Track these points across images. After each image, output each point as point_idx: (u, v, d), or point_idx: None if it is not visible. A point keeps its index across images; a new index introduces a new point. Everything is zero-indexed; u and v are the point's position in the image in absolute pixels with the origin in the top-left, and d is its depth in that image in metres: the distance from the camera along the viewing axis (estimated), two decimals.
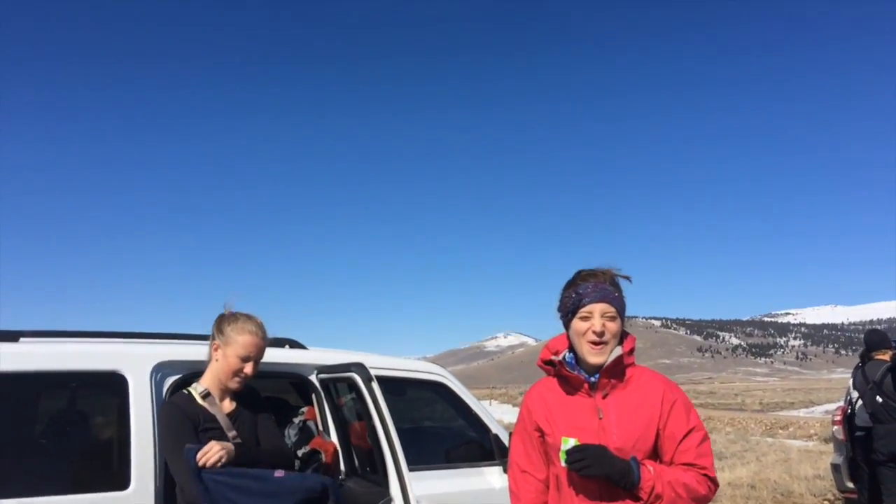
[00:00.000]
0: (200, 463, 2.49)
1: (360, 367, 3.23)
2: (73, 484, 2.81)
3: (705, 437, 2.28)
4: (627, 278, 2.37)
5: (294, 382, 3.93)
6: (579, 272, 2.37)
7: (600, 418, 2.25)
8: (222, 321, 2.86)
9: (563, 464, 2.20)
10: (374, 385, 3.17)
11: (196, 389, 2.81)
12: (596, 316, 2.25)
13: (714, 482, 2.26)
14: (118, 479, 2.84)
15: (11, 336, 2.98)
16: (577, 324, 2.29)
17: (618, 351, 2.29)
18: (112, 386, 2.99)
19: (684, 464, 2.23)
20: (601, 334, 2.24)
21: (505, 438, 4.23)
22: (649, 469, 2.18)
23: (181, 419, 2.68)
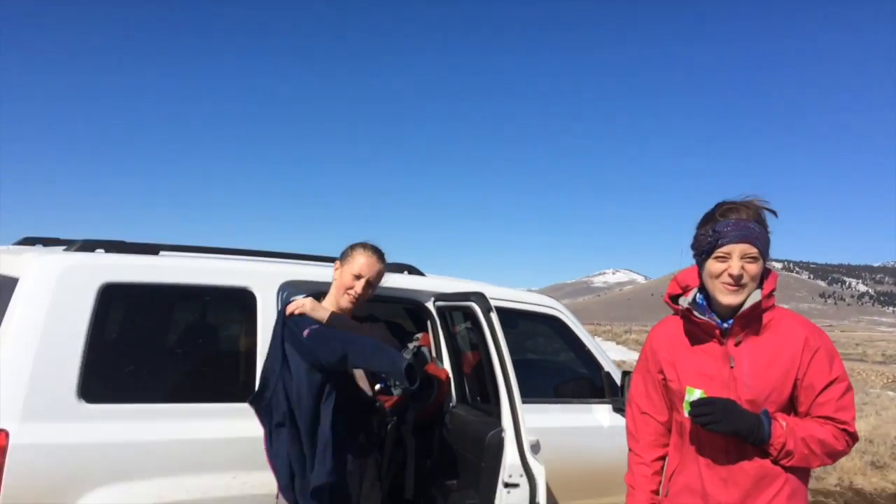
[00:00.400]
0: (289, 311, 2.71)
1: (479, 297, 3.22)
2: (202, 393, 2.97)
3: (848, 389, 2.06)
4: (774, 213, 2.10)
5: (410, 308, 3.99)
6: (719, 205, 2.11)
7: (731, 367, 2.08)
8: (347, 247, 2.97)
9: (686, 415, 2.08)
10: (493, 316, 3.16)
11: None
12: (734, 257, 2.03)
13: (853, 437, 2.07)
14: (244, 390, 2.99)
15: (152, 249, 3.15)
16: (711, 265, 2.08)
17: (756, 295, 2.06)
18: (242, 301, 3.12)
19: (822, 417, 2.05)
20: (738, 278, 2.03)
21: (617, 377, 4.17)
22: (781, 424, 2.02)
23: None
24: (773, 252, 2.12)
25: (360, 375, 2.86)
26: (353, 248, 2.97)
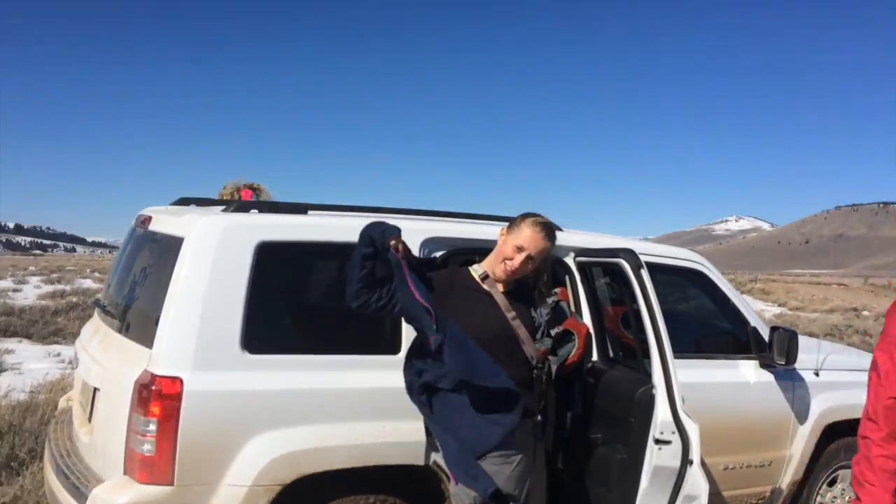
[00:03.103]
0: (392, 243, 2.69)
1: (629, 254, 3.15)
2: (352, 345, 3.08)
3: None
4: None
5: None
6: None
7: None
8: (518, 216, 2.97)
9: None
10: (644, 272, 3.09)
11: (476, 271, 2.95)
12: None
13: None
14: (390, 343, 3.08)
15: (301, 209, 3.26)
16: None
17: None
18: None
19: None
20: None
21: (764, 332, 4.00)
22: None
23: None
24: None
25: (524, 337, 2.87)
26: (523, 218, 2.93)
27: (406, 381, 2.91)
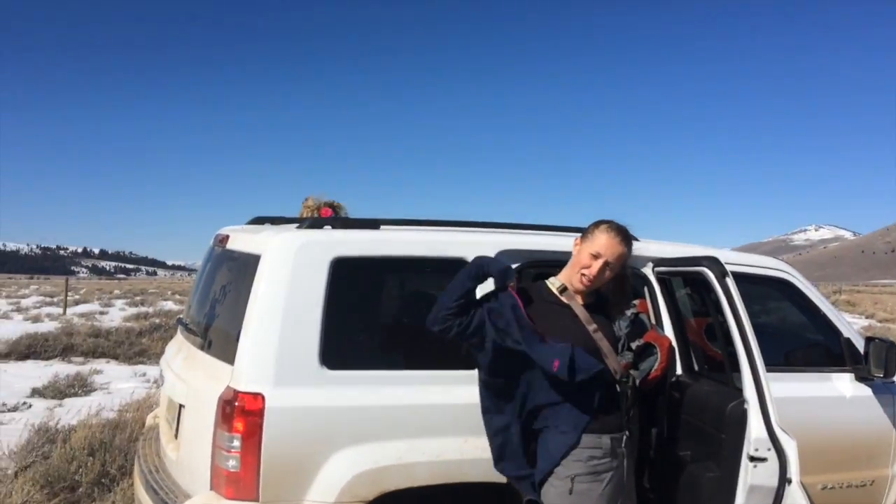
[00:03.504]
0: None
1: (713, 262, 3.04)
2: (430, 360, 3.05)
3: None
4: None
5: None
6: None
7: None
8: (592, 224, 2.92)
9: None
10: (729, 281, 2.97)
11: (553, 284, 2.89)
12: None
13: None
14: (468, 356, 3.02)
15: (373, 224, 3.27)
16: None
17: None
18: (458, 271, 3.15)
19: None
20: None
21: (859, 343, 3.78)
22: None
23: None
24: None
25: (607, 350, 2.80)
26: (597, 225, 2.87)
27: (500, 422, 2.83)
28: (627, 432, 2.80)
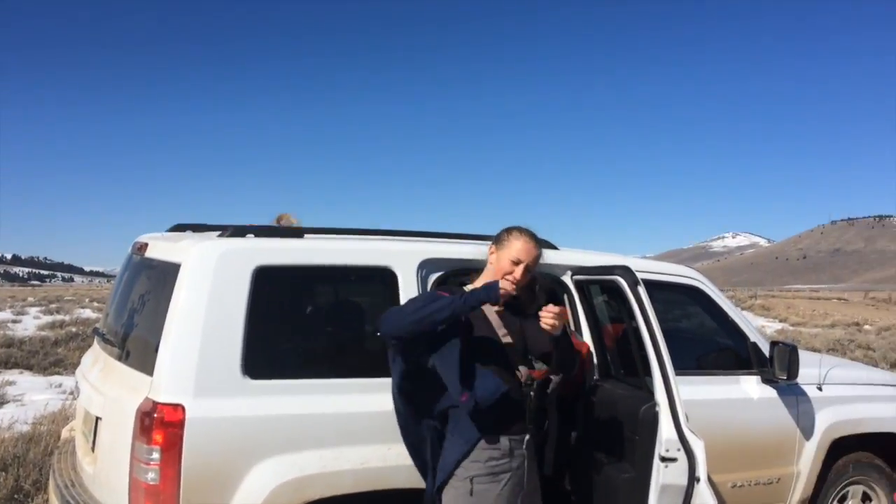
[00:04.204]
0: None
1: (625, 271, 3.17)
2: (353, 368, 3.08)
3: None
4: None
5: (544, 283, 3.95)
6: None
7: None
8: (503, 231, 2.97)
9: None
10: (641, 289, 3.11)
11: (468, 288, 2.94)
12: None
13: None
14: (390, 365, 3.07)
15: (297, 233, 3.27)
16: None
17: None
18: (383, 280, 3.19)
19: None
20: None
21: (764, 347, 4.00)
22: None
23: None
24: None
25: (513, 355, 2.86)
26: (509, 232, 2.96)
27: (408, 411, 2.89)
28: (528, 435, 2.86)
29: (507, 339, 2.86)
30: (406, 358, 2.79)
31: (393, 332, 2.70)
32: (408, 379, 2.82)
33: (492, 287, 2.67)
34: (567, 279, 3.67)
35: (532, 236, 2.95)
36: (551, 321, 2.67)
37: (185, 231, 3.69)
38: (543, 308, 2.70)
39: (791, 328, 24.03)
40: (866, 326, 25.04)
